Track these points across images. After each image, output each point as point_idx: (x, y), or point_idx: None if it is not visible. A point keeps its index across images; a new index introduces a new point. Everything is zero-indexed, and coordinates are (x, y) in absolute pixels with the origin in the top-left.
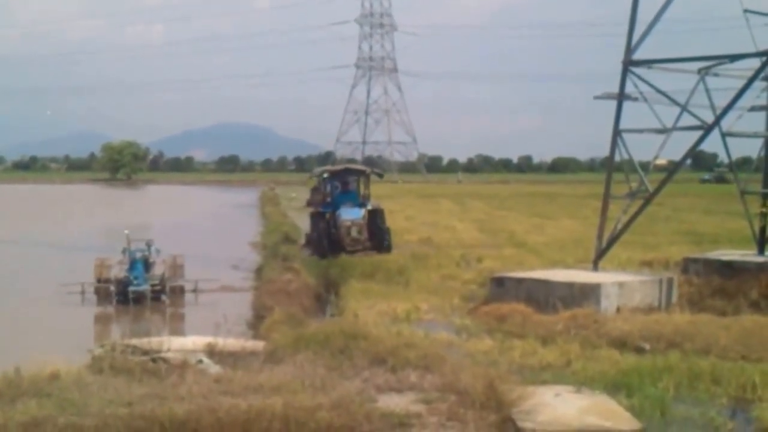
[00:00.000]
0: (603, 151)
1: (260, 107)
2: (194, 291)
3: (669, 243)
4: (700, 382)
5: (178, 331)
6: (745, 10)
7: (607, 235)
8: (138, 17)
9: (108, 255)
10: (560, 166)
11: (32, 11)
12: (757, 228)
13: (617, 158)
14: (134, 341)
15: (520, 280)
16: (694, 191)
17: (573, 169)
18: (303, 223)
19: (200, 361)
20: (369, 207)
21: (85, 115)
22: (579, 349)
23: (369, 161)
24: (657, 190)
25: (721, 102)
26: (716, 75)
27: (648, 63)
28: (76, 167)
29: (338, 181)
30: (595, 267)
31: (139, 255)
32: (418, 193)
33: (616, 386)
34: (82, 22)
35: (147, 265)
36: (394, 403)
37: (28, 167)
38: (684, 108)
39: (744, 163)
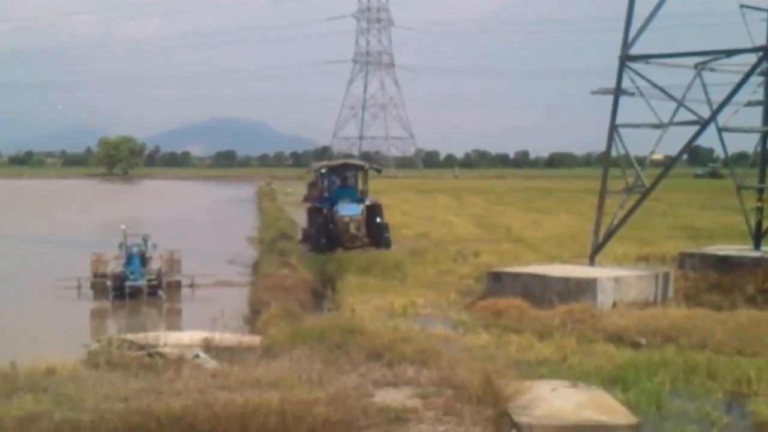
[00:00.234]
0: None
1: (257, 102)
2: (191, 286)
3: (665, 238)
4: (696, 377)
5: (174, 325)
6: (742, 6)
7: (603, 230)
8: (134, 12)
9: (105, 250)
10: (557, 162)
11: (28, 5)
12: (753, 223)
13: (614, 153)
14: (130, 336)
15: (516, 275)
16: (690, 186)
17: (569, 164)
18: (300, 218)
19: (197, 356)
20: (367, 202)
21: (81, 110)
22: (575, 343)
23: (366, 156)
24: (653, 185)
25: (717, 97)
26: (713, 70)
27: (645, 58)
28: (73, 162)
29: (336, 177)
30: (592, 262)
31: (135, 250)
32: (415, 188)
33: (612, 381)
34: (77, 17)
35: (143, 259)
36: (391, 397)
37: (24, 162)
38: (680, 103)
39: (740, 159)
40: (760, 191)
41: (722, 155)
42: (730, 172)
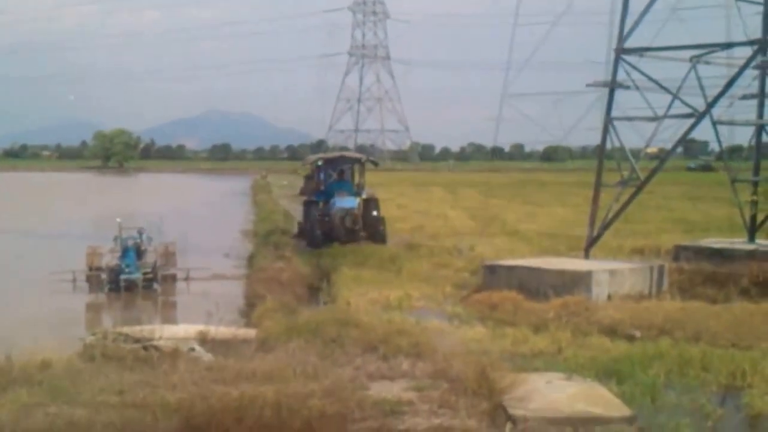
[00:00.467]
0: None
1: (252, 95)
2: (186, 279)
3: (660, 231)
4: (691, 369)
5: (170, 319)
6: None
7: (598, 223)
8: (130, 4)
9: (100, 243)
10: (552, 155)
11: None
12: (747, 216)
13: (609, 146)
14: (126, 329)
15: (511, 268)
16: (685, 179)
17: (564, 157)
18: (295, 211)
19: (192, 349)
20: (364, 196)
21: (75, 103)
22: (570, 336)
23: (361, 150)
24: (648, 178)
25: (712, 90)
26: (708, 63)
27: (640, 51)
28: (68, 155)
29: (332, 169)
30: (586, 255)
31: (130, 243)
32: (411, 181)
33: (606, 373)
34: (72, 9)
35: (139, 253)
36: (386, 390)
37: (19, 155)
38: (675, 96)
39: (734, 151)
40: (755, 184)
41: (717, 148)
42: (723, 165)
